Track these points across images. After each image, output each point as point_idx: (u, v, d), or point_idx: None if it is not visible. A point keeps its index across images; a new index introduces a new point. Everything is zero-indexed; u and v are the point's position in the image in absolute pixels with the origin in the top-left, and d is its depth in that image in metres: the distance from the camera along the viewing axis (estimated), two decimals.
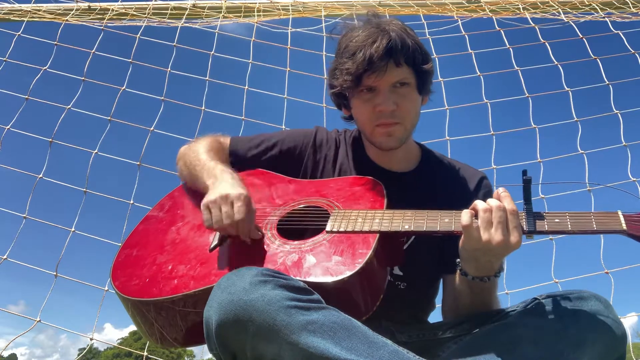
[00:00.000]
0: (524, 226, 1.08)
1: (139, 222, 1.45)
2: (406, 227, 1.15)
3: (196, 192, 1.43)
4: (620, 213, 1.05)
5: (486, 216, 1.07)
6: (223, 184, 1.28)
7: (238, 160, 1.51)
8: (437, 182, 1.46)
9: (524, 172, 1.10)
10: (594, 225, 1.04)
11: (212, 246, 1.25)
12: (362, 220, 1.18)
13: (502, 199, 1.09)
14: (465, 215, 1.09)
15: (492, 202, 1.09)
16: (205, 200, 1.25)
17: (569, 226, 1.05)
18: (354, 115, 1.45)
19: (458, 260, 1.19)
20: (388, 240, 1.18)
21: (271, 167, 1.49)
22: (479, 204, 1.10)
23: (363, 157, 1.49)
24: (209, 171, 1.37)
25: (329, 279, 1.06)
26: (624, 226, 1.02)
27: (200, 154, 1.45)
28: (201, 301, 1.05)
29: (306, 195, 1.37)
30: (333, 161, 1.50)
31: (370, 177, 1.36)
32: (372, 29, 1.35)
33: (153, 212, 1.47)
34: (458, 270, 1.20)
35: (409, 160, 1.50)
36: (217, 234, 1.27)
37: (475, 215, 1.09)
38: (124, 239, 1.40)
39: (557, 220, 1.07)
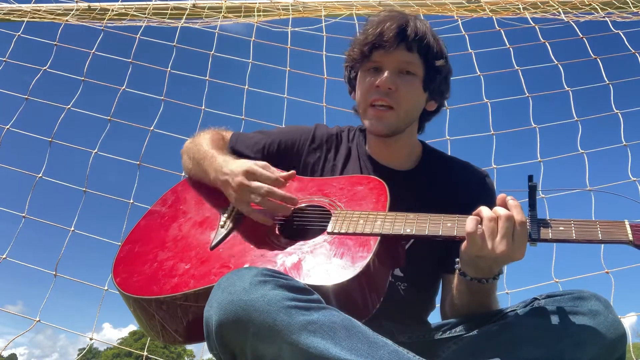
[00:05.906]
0: (528, 234, 1.05)
1: (142, 217, 1.45)
2: (408, 230, 1.13)
3: (199, 187, 1.44)
4: (627, 223, 1.01)
5: (491, 225, 1.05)
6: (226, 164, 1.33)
7: (238, 157, 1.51)
8: (438, 181, 1.45)
9: (530, 178, 1.06)
10: (600, 235, 1.01)
11: (213, 244, 1.25)
12: (363, 222, 1.16)
13: (511, 208, 1.06)
14: (470, 223, 1.06)
15: (499, 210, 1.06)
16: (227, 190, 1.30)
17: (574, 235, 1.03)
18: (356, 93, 1.45)
19: (457, 260, 1.18)
20: (390, 243, 1.16)
21: (271, 164, 1.48)
22: (484, 210, 1.07)
23: (364, 155, 1.49)
24: (211, 162, 1.39)
25: (328, 282, 1.05)
26: (631, 237, 0.99)
27: (204, 145, 1.47)
28: (202, 298, 1.04)
29: (308, 194, 1.35)
30: (334, 158, 1.49)
31: (373, 177, 1.34)
32: (396, 12, 1.39)
33: (156, 207, 1.47)
34: (457, 271, 1.20)
35: (410, 158, 1.49)
36: (219, 231, 1.28)
37: (480, 221, 1.07)
38: (123, 239, 1.40)
39: (561, 228, 1.04)
